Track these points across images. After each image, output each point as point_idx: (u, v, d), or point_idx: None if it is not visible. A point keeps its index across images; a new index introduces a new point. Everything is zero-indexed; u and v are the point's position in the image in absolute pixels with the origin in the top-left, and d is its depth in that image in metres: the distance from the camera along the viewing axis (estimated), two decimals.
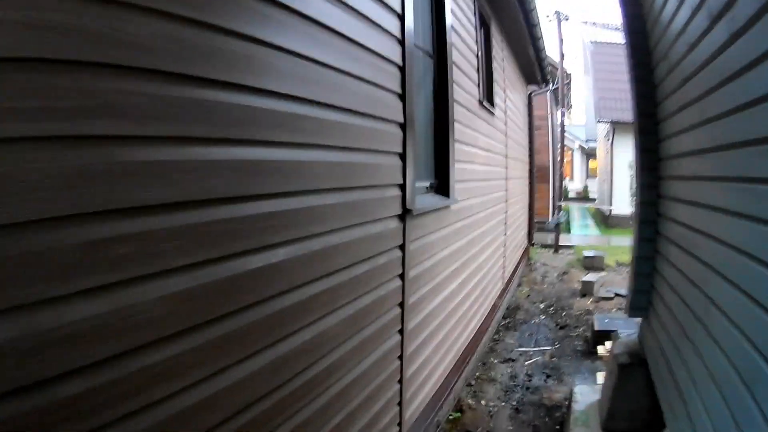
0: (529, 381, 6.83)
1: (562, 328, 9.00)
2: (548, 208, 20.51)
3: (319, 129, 2.67)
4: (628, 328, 7.63)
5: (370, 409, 3.53)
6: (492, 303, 8.25)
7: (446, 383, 5.52)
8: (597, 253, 14.19)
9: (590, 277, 11.52)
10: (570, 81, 18.03)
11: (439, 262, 4.91)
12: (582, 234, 20.71)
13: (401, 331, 3.96)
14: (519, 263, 12.19)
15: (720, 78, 2.72)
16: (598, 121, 23.45)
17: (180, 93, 1.81)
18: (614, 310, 10.02)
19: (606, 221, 23.62)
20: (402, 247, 3.84)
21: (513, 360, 7.53)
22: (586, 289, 10.95)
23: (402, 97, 3.74)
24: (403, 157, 3.77)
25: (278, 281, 2.39)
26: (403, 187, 3.78)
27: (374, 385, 3.53)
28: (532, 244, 15.31)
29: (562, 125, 17.27)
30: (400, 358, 3.98)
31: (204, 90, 1.91)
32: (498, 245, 8.62)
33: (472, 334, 6.78)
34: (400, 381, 4.03)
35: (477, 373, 6.95)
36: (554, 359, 7.59)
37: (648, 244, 4.51)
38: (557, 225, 16.62)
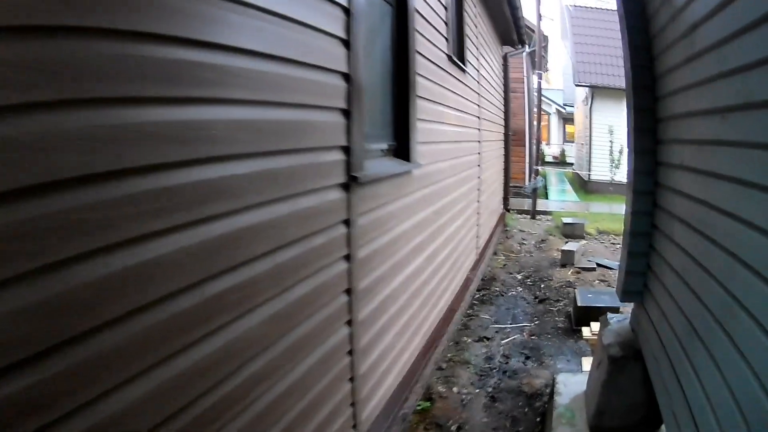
0: (507, 363, 6.23)
1: (541, 301, 8.41)
2: (525, 173, 20.07)
3: (221, 79, 1.99)
4: (613, 303, 7.14)
5: (314, 418, 2.89)
6: (464, 276, 7.62)
7: (412, 370, 4.89)
8: (577, 220, 13.61)
9: (570, 246, 10.91)
10: (547, 44, 17.33)
11: (399, 236, 4.21)
12: (560, 200, 20.12)
13: (350, 323, 3.28)
14: (494, 230, 11.58)
15: (752, 17, 2.02)
16: (577, 85, 22.90)
17: None
18: (596, 282, 9.51)
19: (585, 187, 23.13)
20: (347, 223, 3.14)
21: (488, 339, 6.92)
22: (567, 259, 10.36)
23: (347, 43, 3.04)
24: (347, 113, 3.06)
25: (162, 281, 1.76)
26: (347, 150, 3.08)
27: (317, 389, 2.90)
28: (508, 210, 14.69)
29: (539, 88, 16.54)
30: (350, 353, 3.32)
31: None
32: (471, 213, 7.97)
33: (442, 313, 6.14)
34: (352, 379, 3.39)
35: (449, 355, 6.31)
36: (534, 337, 7.00)
37: (643, 218, 3.80)
38: (534, 190, 15.97)
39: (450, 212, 6.31)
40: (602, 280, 9.59)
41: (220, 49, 1.99)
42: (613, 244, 12.75)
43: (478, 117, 8.44)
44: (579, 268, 10.15)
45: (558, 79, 42.09)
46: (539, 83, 16.19)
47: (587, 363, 5.38)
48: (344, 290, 3.17)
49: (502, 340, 6.90)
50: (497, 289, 8.99)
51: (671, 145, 3.43)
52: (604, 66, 22.04)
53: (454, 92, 6.45)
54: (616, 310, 7.01)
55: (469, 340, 6.82)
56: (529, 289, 9.07)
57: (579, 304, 7.09)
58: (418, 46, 4.61)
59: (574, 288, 8.86)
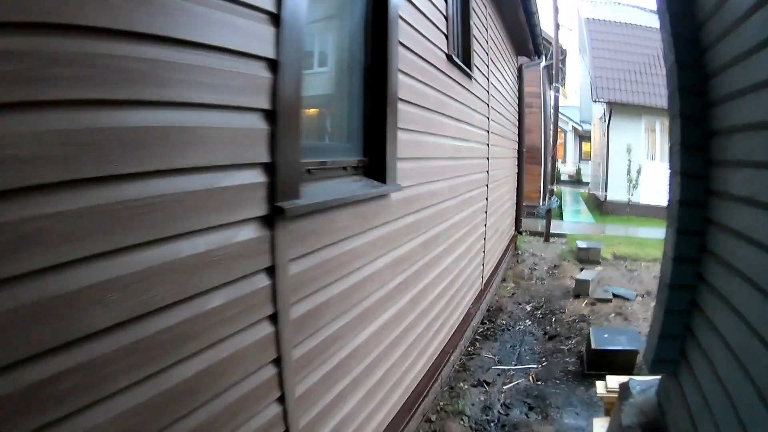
0: (507, 415, 5.38)
1: (551, 338, 7.52)
2: (539, 192, 19.14)
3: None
4: (630, 346, 6.27)
5: None
6: (465, 311, 6.76)
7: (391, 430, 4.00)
8: (592, 244, 12.66)
9: (585, 274, 9.98)
10: (565, 57, 16.46)
11: (366, 279, 3.33)
12: (574, 221, 19.20)
13: (282, 399, 2.42)
14: (504, 255, 10.71)
15: None
16: (594, 101, 22.07)
17: None
18: (612, 315, 8.60)
19: (600, 208, 22.20)
20: (271, 271, 2.28)
21: (488, 384, 6.06)
22: (581, 289, 9.44)
23: (275, 18, 2.20)
24: (272, 116, 2.22)
25: None
26: (271, 169, 2.24)
27: None
28: (520, 233, 13.75)
29: (556, 102, 15.62)
30: None
31: None
32: (475, 239, 7.13)
33: (434, 358, 5.29)
34: None
35: (441, 404, 5.46)
36: (540, 383, 6.13)
37: (687, 267, 2.88)
38: (548, 211, 15.05)
39: (447, 241, 5.46)
40: (618, 313, 8.68)
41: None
42: (630, 270, 11.82)
43: (488, 131, 7.62)
44: (594, 299, 9.24)
45: (574, 95, 41.30)
46: (556, 97, 15.29)
47: (598, 426, 4.48)
48: (271, 361, 2.32)
49: (504, 385, 6.05)
50: (503, 322, 8.10)
51: (733, 169, 2.51)
52: (623, 82, 21.31)
53: (456, 100, 5.62)
54: (633, 354, 6.23)
55: (466, 385, 5.95)
56: (538, 322, 8.18)
57: (593, 346, 6.20)
58: (402, 37, 3.71)
59: (588, 323, 8.01)
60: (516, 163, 12.49)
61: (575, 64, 32.58)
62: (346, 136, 3.32)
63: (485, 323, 7.96)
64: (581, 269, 11.37)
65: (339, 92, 3.25)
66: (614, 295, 9.47)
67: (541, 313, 8.58)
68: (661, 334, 3.02)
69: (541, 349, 7.14)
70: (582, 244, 12.51)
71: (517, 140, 12.47)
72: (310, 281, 2.64)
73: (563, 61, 15.57)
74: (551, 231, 15.26)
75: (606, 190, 21.51)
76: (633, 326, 8.05)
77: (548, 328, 7.93)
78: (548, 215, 15.03)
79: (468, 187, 6.35)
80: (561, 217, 19.65)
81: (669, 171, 3.01)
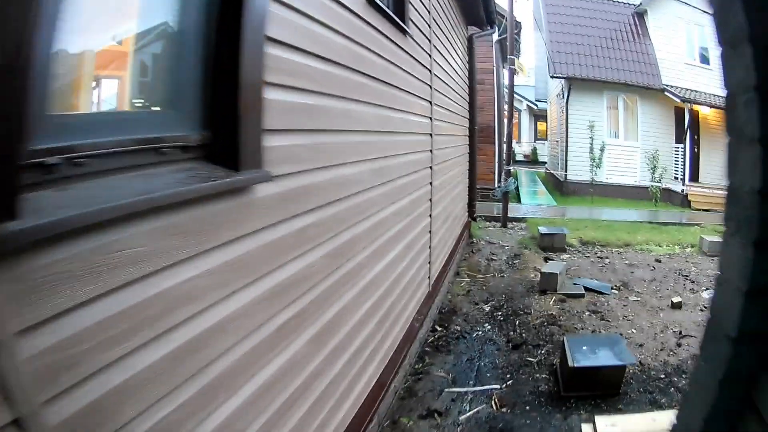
0: None
1: (516, 347, 6.32)
2: (493, 173, 18.13)
3: None
4: (617, 361, 5.05)
5: None
6: (408, 325, 5.45)
7: None
8: (555, 229, 11.49)
9: (552, 266, 8.78)
10: (520, 30, 15.17)
11: (202, 336, 1.91)
12: (534, 203, 18.08)
13: None
14: (457, 245, 9.50)
15: None
16: (552, 77, 21.21)
17: None
18: (586, 313, 7.50)
19: (560, 188, 21.25)
20: None
21: (440, 414, 4.86)
22: (547, 284, 8.24)
23: None
24: None
25: None
26: None
27: None
28: (475, 219, 12.51)
29: (511, 75, 14.26)
30: None
31: None
32: (419, 234, 5.84)
33: (364, 397, 3.99)
34: None
35: None
36: (505, 410, 4.96)
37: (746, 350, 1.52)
38: (505, 194, 13.84)
39: (373, 244, 4.11)
40: (594, 311, 7.54)
41: None
42: (601, 258, 10.71)
43: (430, 102, 6.32)
44: (563, 294, 8.06)
45: (530, 73, 40.30)
46: (511, 70, 13.98)
47: None
48: None
49: (461, 414, 4.85)
50: (458, 328, 6.86)
51: None
52: (583, 56, 20.51)
53: (383, 57, 4.28)
54: (620, 371, 5.12)
55: (413, 418, 4.73)
56: (499, 326, 6.95)
57: (571, 363, 4.96)
58: None
59: (559, 326, 6.86)
60: (468, 142, 11.21)
61: (529, 42, 31.53)
62: (164, 100, 1.97)
63: (436, 330, 6.73)
64: (546, 259, 10.24)
65: (150, 24, 1.90)
66: (586, 289, 8.37)
67: (502, 315, 7.36)
68: (710, 412, 1.70)
69: (505, 362, 5.92)
70: (545, 230, 11.34)
71: (469, 117, 11.19)
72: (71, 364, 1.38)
73: (518, 33, 14.23)
74: (509, 215, 14.11)
75: (566, 170, 20.52)
76: (612, 327, 6.98)
77: (512, 333, 6.72)
78: (505, 198, 13.83)
79: (404, 169, 5.02)
80: (519, 199, 18.53)
81: (729, 140, 1.62)
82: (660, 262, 10.61)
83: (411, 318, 5.56)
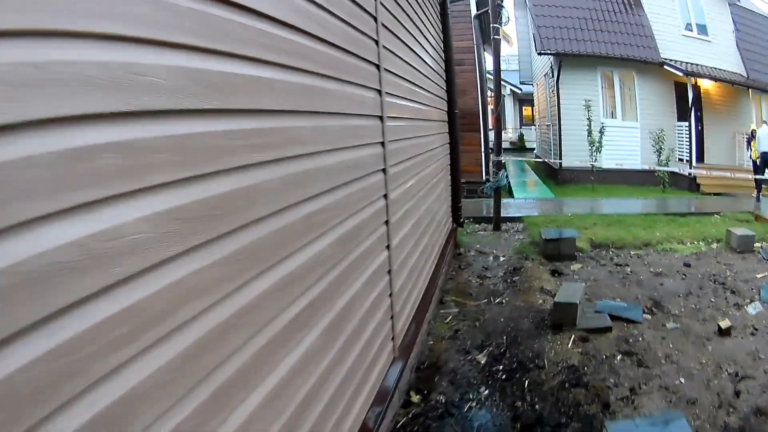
0: None
1: (527, 429, 4.16)
2: (481, 165, 15.91)
3: None
4: None
5: None
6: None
7: None
8: (563, 232, 9.21)
9: (566, 290, 6.49)
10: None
11: None
12: (528, 197, 15.82)
13: None
14: (440, 263, 7.27)
15: None
16: (540, 53, 19.11)
17: None
18: (618, 357, 5.42)
19: (554, 177, 19.13)
20: None
21: None
22: (563, 317, 6.07)
23: None
24: None
25: None
26: None
27: None
28: (461, 223, 10.03)
29: (497, 47, 11.80)
30: None
31: None
32: (365, 287, 3.51)
33: None
34: None
35: None
36: None
37: None
38: (497, 190, 11.50)
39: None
40: (627, 353, 5.47)
41: None
42: (619, 266, 8.55)
43: (377, 66, 4.01)
44: (584, 330, 5.89)
45: (509, 60, 38.79)
46: (496, 41, 11.57)
47: None
48: None
49: None
50: (441, 399, 4.67)
51: None
52: (572, 30, 18.70)
53: None
54: None
55: None
56: (501, 391, 4.79)
57: None
58: None
59: (585, 385, 4.85)
60: (448, 129, 8.94)
61: (511, 23, 29.61)
62: None
63: (411, 403, 4.58)
64: (553, 272, 8.05)
65: None
66: (612, 317, 6.20)
67: (504, 370, 5.18)
68: None
69: None
70: (548, 234, 9.07)
71: (447, 99, 8.91)
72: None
73: (500, 3, 11.99)
74: (502, 215, 11.80)
75: (560, 157, 18.43)
76: (655, 377, 5.03)
77: (519, 404, 4.57)
78: (497, 195, 11.50)
79: (315, 186, 2.77)
80: (510, 193, 16.27)
81: None
82: (689, 266, 8.54)
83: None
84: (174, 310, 1.50)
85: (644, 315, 6.45)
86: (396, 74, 4.71)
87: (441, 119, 8.23)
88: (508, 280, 7.84)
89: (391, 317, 4.20)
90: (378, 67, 3.98)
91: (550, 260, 8.71)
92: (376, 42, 3.97)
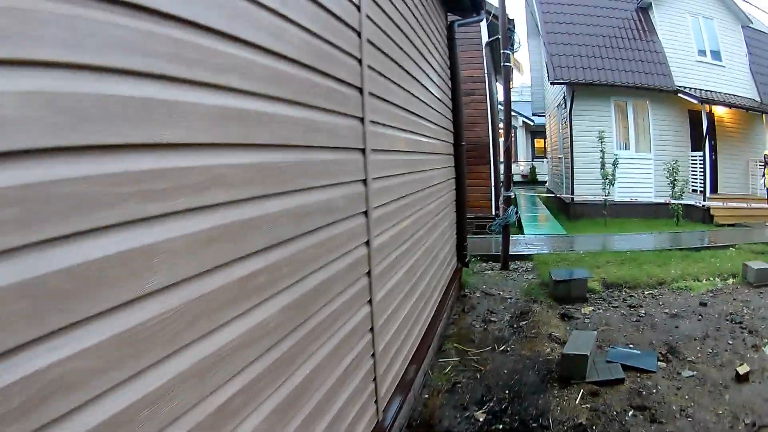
0: None
1: None
2: (490, 200, 15.27)
3: None
4: None
5: None
6: None
7: None
8: (574, 272, 8.68)
9: (576, 341, 5.94)
10: (514, 26, 12.54)
11: None
12: (539, 233, 15.24)
13: None
14: (441, 306, 6.79)
15: None
16: (553, 82, 18.62)
17: None
18: (630, 413, 4.91)
19: (566, 211, 18.57)
20: None
21: None
22: (573, 369, 5.54)
23: None
24: None
25: None
26: None
27: None
28: (467, 263, 9.49)
29: (508, 75, 11.24)
30: None
31: None
32: (332, 355, 2.97)
33: None
34: None
35: None
36: None
37: None
38: (505, 227, 10.97)
39: None
40: (640, 407, 4.97)
41: None
42: (633, 308, 8.01)
43: (360, 90, 3.55)
44: (594, 383, 5.37)
45: (522, 91, 38.48)
46: (507, 68, 11.11)
47: None
48: None
49: None
50: None
51: None
52: (585, 59, 18.30)
53: None
54: None
55: None
56: None
57: None
58: None
59: None
60: (453, 163, 8.48)
61: (523, 52, 29.34)
62: None
63: None
64: (563, 316, 7.53)
65: None
66: (625, 367, 5.70)
67: (504, 430, 4.67)
68: None
69: None
70: (559, 275, 8.53)
71: (453, 132, 8.48)
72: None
73: (511, 28, 11.58)
74: (511, 252, 11.27)
75: (572, 191, 17.85)
76: None
77: None
78: (506, 233, 10.97)
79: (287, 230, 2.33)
80: (520, 228, 15.71)
81: None
82: (706, 305, 8.00)
83: None
84: None
85: (659, 362, 5.94)
86: (386, 100, 4.22)
87: (446, 152, 7.78)
88: (515, 325, 7.31)
89: (374, 379, 3.70)
90: (361, 90, 3.50)
91: (560, 302, 8.19)
92: (359, 61, 3.50)
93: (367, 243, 3.55)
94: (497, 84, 19.29)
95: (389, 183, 4.25)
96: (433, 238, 6.47)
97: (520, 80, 35.44)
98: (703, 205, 16.42)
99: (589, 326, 7.16)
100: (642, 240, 13.51)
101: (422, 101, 5.88)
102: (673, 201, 16.13)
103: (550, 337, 6.65)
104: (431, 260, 6.25)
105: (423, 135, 5.89)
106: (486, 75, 15.56)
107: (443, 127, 7.53)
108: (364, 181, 3.51)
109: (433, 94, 6.60)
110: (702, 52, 18.88)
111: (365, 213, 3.52)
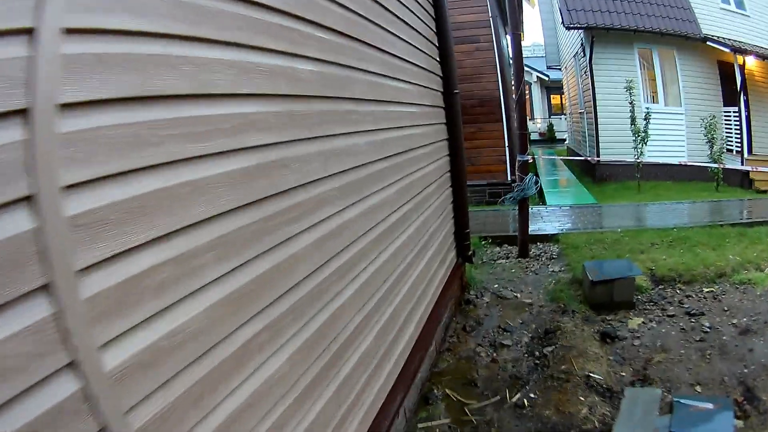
0: None
1: None
2: (505, 163, 13.23)
3: None
4: None
5: None
6: None
7: None
8: (615, 266, 6.26)
9: (629, 411, 3.67)
10: None
11: None
12: (564, 204, 12.82)
13: None
14: (425, 332, 4.75)
15: None
16: (568, 27, 16.21)
17: None
18: None
19: (592, 173, 16.40)
20: None
21: None
22: None
23: None
24: None
25: None
26: None
27: None
28: (470, 257, 6.92)
29: (515, 19, 8.65)
30: None
31: None
32: None
33: None
34: None
35: None
36: None
37: None
38: (523, 201, 8.46)
39: None
40: None
41: None
42: (693, 317, 5.71)
43: None
44: None
45: (533, 49, 36.39)
46: (515, 18, 8.45)
47: None
48: None
49: None
50: None
51: None
52: (603, 1, 15.84)
53: None
54: None
55: None
56: None
57: None
58: None
59: None
60: (442, 119, 6.13)
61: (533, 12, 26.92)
62: None
63: None
64: (603, 336, 5.32)
65: None
66: None
67: None
68: None
69: None
70: (596, 271, 6.13)
71: (442, 75, 6.11)
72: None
73: None
74: (531, 230, 8.76)
75: (597, 150, 15.77)
76: None
77: None
78: (523, 210, 8.47)
79: None
80: (541, 198, 13.36)
81: None
82: None
83: None
84: None
85: (737, 419, 3.87)
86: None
87: (429, 103, 5.46)
88: (536, 353, 5.05)
89: None
90: None
91: (597, 311, 5.88)
92: None
93: None
94: (507, 35, 17.00)
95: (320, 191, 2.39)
96: (408, 235, 4.22)
97: (532, 38, 33.25)
98: (745, 165, 14.15)
99: (641, 352, 4.97)
100: (684, 211, 11.16)
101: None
102: (710, 164, 13.69)
103: (588, 383, 4.40)
104: (421, 243, 4.10)
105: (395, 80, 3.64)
106: (491, 19, 13.50)
107: (423, 68, 5.20)
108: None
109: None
110: (726, 0, 16.53)
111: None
